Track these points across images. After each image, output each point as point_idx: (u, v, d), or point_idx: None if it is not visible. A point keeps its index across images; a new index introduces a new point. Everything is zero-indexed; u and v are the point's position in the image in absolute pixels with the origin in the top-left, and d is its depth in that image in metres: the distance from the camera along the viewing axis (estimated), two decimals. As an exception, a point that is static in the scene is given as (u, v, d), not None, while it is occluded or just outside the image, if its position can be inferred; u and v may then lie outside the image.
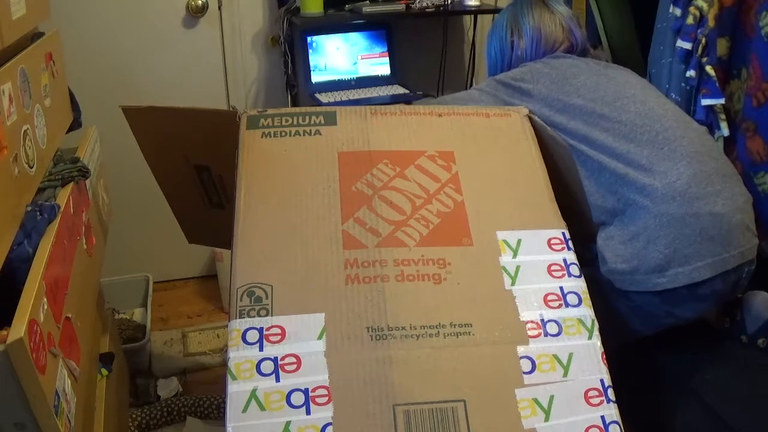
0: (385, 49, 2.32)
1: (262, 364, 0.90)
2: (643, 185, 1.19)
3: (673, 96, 1.50)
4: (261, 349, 0.91)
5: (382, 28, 2.31)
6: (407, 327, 0.95)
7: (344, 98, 2.19)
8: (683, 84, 1.48)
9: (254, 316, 0.94)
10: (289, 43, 2.25)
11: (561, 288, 1.01)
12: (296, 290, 0.97)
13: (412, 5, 2.23)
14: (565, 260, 1.04)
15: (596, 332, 0.98)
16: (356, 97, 2.21)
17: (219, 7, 2.24)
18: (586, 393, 0.92)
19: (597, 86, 1.33)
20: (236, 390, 0.88)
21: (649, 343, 1.31)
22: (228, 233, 1.06)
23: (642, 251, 1.18)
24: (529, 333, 0.96)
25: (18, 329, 0.81)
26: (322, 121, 1.18)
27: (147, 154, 1.47)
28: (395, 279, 0.99)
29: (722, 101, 1.44)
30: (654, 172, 1.20)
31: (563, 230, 1.08)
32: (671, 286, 1.16)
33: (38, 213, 1.05)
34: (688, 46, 1.48)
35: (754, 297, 1.32)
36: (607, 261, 1.22)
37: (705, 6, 1.44)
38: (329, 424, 0.86)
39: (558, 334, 0.96)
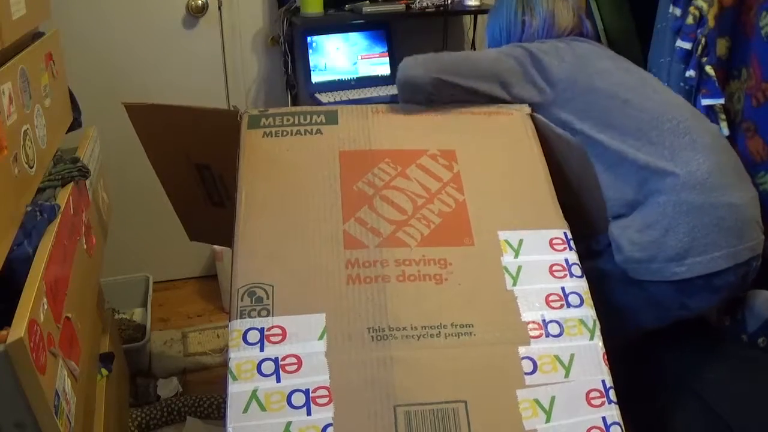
0: (385, 49, 2.32)
1: (263, 365, 0.90)
2: (664, 172, 1.19)
3: (673, 96, 1.50)
4: (262, 349, 0.91)
5: (382, 28, 2.31)
6: (408, 327, 0.94)
7: (344, 98, 2.19)
8: (682, 84, 1.48)
9: (255, 317, 0.94)
10: (289, 43, 2.25)
11: (563, 288, 1.01)
12: (297, 290, 0.97)
13: (412, 5, 2.23)
14: (566, 260, 1.04)
15: (598, 333, 0.98)
16: (356, 97, 2.21)
17: (219, 7, 2.24)
18: (587, 394, 0.92)
19: (618, 72, 1.31)
20: (237, 390, 0.88)
21: (651, 344, 1.31)
22: (229, 231, 1.05)
23: (660, 239, 1.17)
24: (531, 333, 0.96)
25: (18, 329, 0.81)
26: (324, 121, 1.18)
27: (149, 152, 1.47)
28: (396, 279, 0.99)
29: (722, 101, 1.44)
30: (675, 161, 1.20)
31: (565, 230, 1.08)
32: (689, 275, 1.16)
33: (38, 213, 1.05)
34: (687, 46, 1.48)
35: (756, 296, 1.32)
36: (623, 250, 1.21)
37: (705, 6, 1.44)
38: (330, 424, 0.86)
39: (559, 335, 0.96)
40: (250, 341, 0.92)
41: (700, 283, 1.17)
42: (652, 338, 1.31)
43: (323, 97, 2.19)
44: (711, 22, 1.44)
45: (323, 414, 0.87)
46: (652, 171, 1.20)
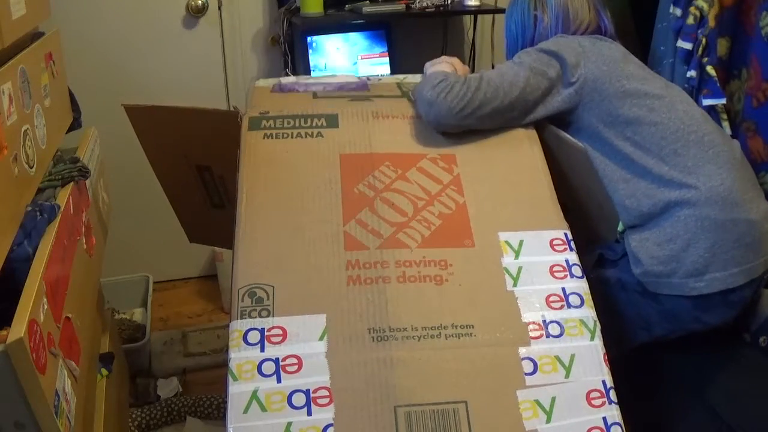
0: (385, 49, 2.32)
1: (264, 365, 0.90)
2: (686, 186, 1.18)
3: (675, 96, 1.50)
4: (262, 349, 0.91)
5: (382, 28, 2.30)
6: (408, 328, 0.94)
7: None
8: (685, 85, 1.47)
9: (255, 317, 0.94)
10: (289, 43, 2.25)
11: (563, 289, 1.01)
12: (298, 291, 0.97)
13: (412, 5, 2.23)
14: (567, 261, 1.04)
15: (598, 333, 0.98)
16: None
17: (219, 7, 2.24)
18: (587, 394, 0.92)
19: (645, 79, 1.28)
20: (237, 391, 0.88)
21: (653, 344, 1.31)
22: (229, 233, 1.05)
23: (681, 254, 1.17)
24: (531, 334, 0.96)
25: (18, 329, 0.81)
26: (324, 124, 1.19)
27: (149, 153, 1.46)
28: (397, 280, 0.99)
29: (723, 101, 1.44)
30: (698, 175, 1.19)
31: (565, 231, 1.08)
32: (708, 291, 1.16)
33: (38, 213, 1.05)
34: (688, 46, 1.48)
35: (759, 295, 1.31)
36: (642, 263, 1.20)
37: (705, 6, 1.44)
38: (330, 425, 0.86)
39: (560, 335, 0.96)
40: (250, 342, 0.92)
41: (717, 299, 1.17)
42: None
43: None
44: (711, 22, 1.44)
45: (324, 414, 0.87)
46: (675, 185, 1.19)
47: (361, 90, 1.35)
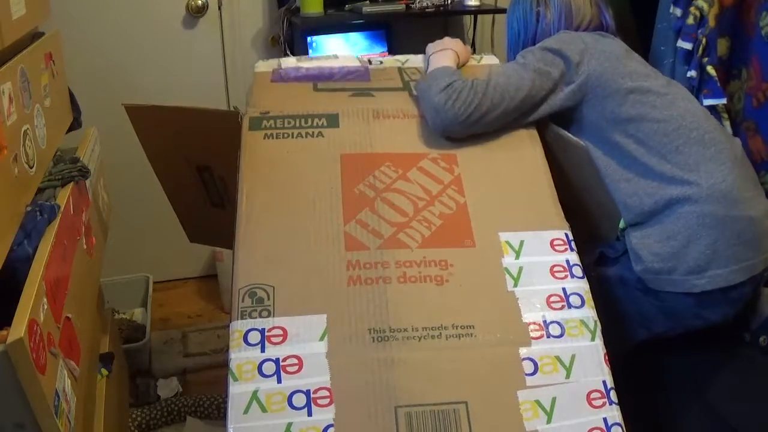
0: (385, 49, 2.32)
1: (264, 365, 0.90)
2: (688, 184, 1.18)
3: (675, 96, 1.50)
4: (263, 350, 0.91)
5: (382, 28, 2.30)
6: (409, 329, 0.94)
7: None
8: (686, 85, 1.47)
9: (256, 317, 0.94)
10: (289, 43, 2.25)
11: (564, 289, 1.01)
12: (298, 291, 0.97)
13: (412, 5, 2.23)
14: (567, 261, 1.04)
15: (599, 333, 0.98)
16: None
17: (219, 7, 2.24)
18: (588, 395, 0.92)
19: (648, 76, 1.28)
20: (238, 391, 0.88)
21: (653, 344, 1.31)
22: (229, 233, 1.05)
23: (682, 251, 1.17)
24: (532, 334, 0.96)
25: (18, 329, 0.81)
26: (325, 124, 1.18)
27: (149, 153, 1.47)
28: (397, 280, 0.99)
29: (724, 101, 1.44)
30: (700, 172, 1.19)
31: (566, 231, 1.08)
32: (709, 287, 1.16)
33: (38, 213, 1.05)
34: (688, 46, 1.48)
35: (759, 294, 1.31)
36: (643, 260, 1.20)
37: (705, 6, 1.44)
38: (331, 425, 0.86)
39: (560, 336, 0.96)
40: (251, 342, 0.92)
41: (718, 296, 1.17)
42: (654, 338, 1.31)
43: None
44: (712, 22, 1.44)
45: (324, 415, 0.87)
46: (677, 182, 1.19)
47: (362, 80, 1.34)
